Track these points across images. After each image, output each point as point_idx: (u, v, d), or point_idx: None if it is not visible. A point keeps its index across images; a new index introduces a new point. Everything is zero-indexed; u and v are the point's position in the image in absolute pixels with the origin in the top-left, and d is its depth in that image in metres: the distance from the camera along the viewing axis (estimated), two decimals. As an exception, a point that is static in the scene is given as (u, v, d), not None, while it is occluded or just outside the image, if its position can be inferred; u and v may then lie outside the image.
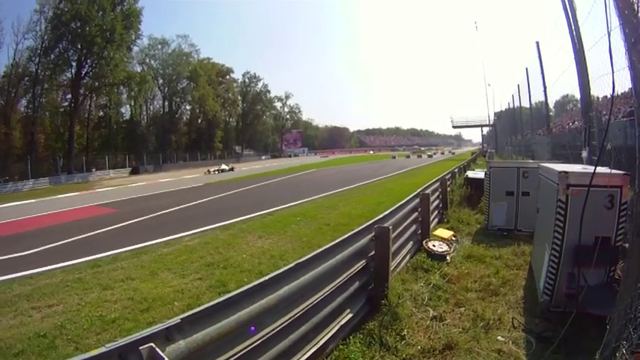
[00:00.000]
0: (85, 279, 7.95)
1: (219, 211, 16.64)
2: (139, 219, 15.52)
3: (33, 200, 28.50)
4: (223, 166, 54.02)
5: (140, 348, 2.30)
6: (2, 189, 42.77)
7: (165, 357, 2.35)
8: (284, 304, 3.75)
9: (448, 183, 14.18)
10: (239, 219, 13.93)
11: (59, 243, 11.90)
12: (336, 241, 4.96)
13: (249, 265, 8.33)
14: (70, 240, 12.27)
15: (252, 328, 3.30)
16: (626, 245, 4.70)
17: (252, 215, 14.61)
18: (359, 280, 5.36)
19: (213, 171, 50.36)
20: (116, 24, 56.70)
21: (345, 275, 4.96)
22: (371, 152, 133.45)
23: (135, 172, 60.78)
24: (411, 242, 8.27)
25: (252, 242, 10.53)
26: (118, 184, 40.66)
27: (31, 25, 55.40)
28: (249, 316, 3.23)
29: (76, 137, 61.93)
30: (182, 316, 2.70)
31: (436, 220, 11.13)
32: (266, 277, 3.58)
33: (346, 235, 5.24)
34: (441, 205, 12.13)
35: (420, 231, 8.95)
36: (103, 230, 13.57)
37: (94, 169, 57.97)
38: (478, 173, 16.23)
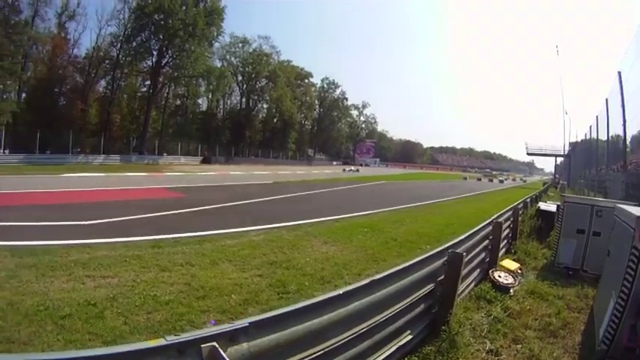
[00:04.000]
0: (144, 257, 8.05)
1: (287, 210, 16.71)
2: (205, 207, 15.82)
3: (102, 174, 29.63)
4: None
5: (202, 346, 2.26)
6: (73, 159, 45.69)
7: (227, 358, 2.30)
8: (352, 319, 3.66)
9: (520, 213, 13.63)
10: (306, 221, 13.80)
11: (122, 218, 12.23)
12: (412, 262, 4.82)
13: (312, 269, 8.21)
14: (133, 217, 12.64)
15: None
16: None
17: (319, 219, 14.48)
18: (424, 303, 5.22)
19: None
20: (198, 19, 57.94)
21: (413, 297, 4.83)
22: (441, 171, 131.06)
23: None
24: (478, 270, 7.99)
25: (317, 246, 10.44)
26: (188, 170, 41.78)
27: (115, 13, 58.80)
28: (316, 327, 3.17)
29: (151, 122, 64.74)
30: (250, 319, 2.67)
31: (504, 249, 10.68)
32: (340, 291, 3.52)
33: (421, 257, 5.09)
34: (510, 235, 11.66)
35: (487, 259, 8.64)
36: (167, 213, 13.88)
37: (165, 154, 60.20)
38: (550, 206, 15.48)
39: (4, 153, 44.02)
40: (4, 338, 4.82)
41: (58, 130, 49.39)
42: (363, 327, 3.84)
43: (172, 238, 9.96)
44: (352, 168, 57.47)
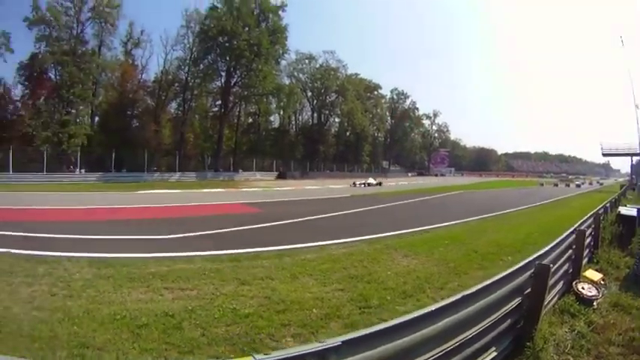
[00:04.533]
0: (224, 271, 8.22)
1: (364, 224, 16.65)
2: (283, 222, 16.10)
3: (178, 190, 30.73)
4: (370, 180, 53.36)
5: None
6: (149, 177, 49.07)
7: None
8: (441, 336, 3.66)
9: (601, 218, 12.96)
10: (385, 234, 13.78)
11: (201, 233, 12.74)
12: (500, 276, 4.78)
13: (393, 283, 8.08)
14: (211, 232, 13.09)
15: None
16: None
17: (399, 232, 14.40)
18: (510, 318, 5.11)
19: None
20: (262, 39, 59.19)
21: (500, 311, 4.76)
22: (517, 178, 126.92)
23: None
24: (562, 282, 7.69)
25: (397, 260, 10.33)
26: (264, 185, 42.56)
27: (179, 38, 62.33)
28: (407, 345, 3.18)
29: (225, 140, 67.17)
30: (342, 338, 2.68)
31: (586, 259, 10.19)
32: (432, 308, 3.56)
33: (509, 271, 5.03)
34: (592, 244, 11.08)
35: (571, 270, 8.32)
36: (245, 227, 14.29)
37: (240, 170, 62.14)
38: (631, 210, 14.71)
39: (80, 172, 47.69)
40: (80, 344, 5.06)
41: (133, 150, 52.39)
42: (451, 344, 3.80)
43: (252, 252, 10.18)
44: (370, 181, 52.13)
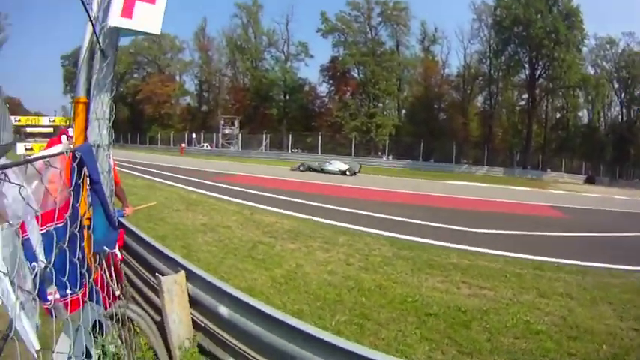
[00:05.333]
0: (525, 277, 7.66)
1: None
2: (592, 234, 14.06)
3: (484, 184, 31.26)
4: None
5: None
6: (456, 168, 50.76)
7: None
8: None
9: None
10: None
11: (506, 232, 12.25)
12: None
13: None
14: (517, 232, 12.50)
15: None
16: None
17: None
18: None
19: None
20: (558, 25, 54.14)
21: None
22: None
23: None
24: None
25: None
26: (570, 190, 38.47)
27: (474, 32, 64.73)
28: None
29: (533, 136, 64.16)
30: None
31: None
32: None
33: None
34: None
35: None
36: (549, 233, 13.13)
37: (548, 170, 58.33)
38: None
39: (388, 159, 52.11)
40: (362, 314, 5.44)
41: (440, 141, 54.84)
42: None
43: (554, 262, 9.13)
44: None
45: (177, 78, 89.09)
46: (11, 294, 2.02)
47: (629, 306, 6.92)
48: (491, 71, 62.95)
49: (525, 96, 64.45)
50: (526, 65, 60.27)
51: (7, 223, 2.08)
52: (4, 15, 77.37)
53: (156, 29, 3.70)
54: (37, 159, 2.53)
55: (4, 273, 1.97)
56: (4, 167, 1.97)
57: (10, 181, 2.01)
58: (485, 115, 64.87)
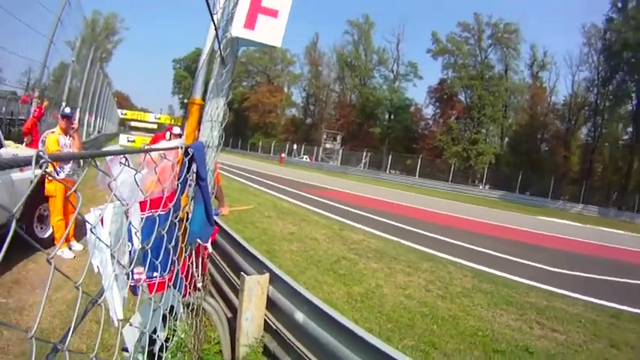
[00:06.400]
0: (600, 325, 7.27)
1: None
2: None
3: (577, 223, 29.34)
4: None
5: None
6: (551, 204, 47.04)
7: None
8: None
9: None
10: None
11: (595, 276, 11.46)
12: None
13: None
14: (605, 278, 11.55)
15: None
16: None
17: None
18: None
19: None
20: None
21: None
22: None
23: None
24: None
25: None
26: None
27: (583, 57, 59.54)
28: None
29: (634, 175, 59.02)
30: None
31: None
32: None
33: None
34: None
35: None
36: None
37: (644, 210, 53.63)
38: None
39: (484, 187, 51.07)
40: (430, 342, 5.56)
41: (540, 174, 52.66)
42: None
43: (635, 312, 8.49)
44: None
45: (286, 89, 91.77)
46: (109, 266, 2.28)
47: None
48: (598, 101, 58.36)
49: (630, 129, 58.58)
50: (633, 95, 55.43)
51: (118, 202, 2.31)
52: (120, 19, 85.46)
53: (277, 42, 3.93)
54: (155, 149, 2.86)
55: (107, 245, 2.22)
56: (126, 153, 2.21)
57: (129, 166, 2.20)
58: (588, 149, 59.71)
